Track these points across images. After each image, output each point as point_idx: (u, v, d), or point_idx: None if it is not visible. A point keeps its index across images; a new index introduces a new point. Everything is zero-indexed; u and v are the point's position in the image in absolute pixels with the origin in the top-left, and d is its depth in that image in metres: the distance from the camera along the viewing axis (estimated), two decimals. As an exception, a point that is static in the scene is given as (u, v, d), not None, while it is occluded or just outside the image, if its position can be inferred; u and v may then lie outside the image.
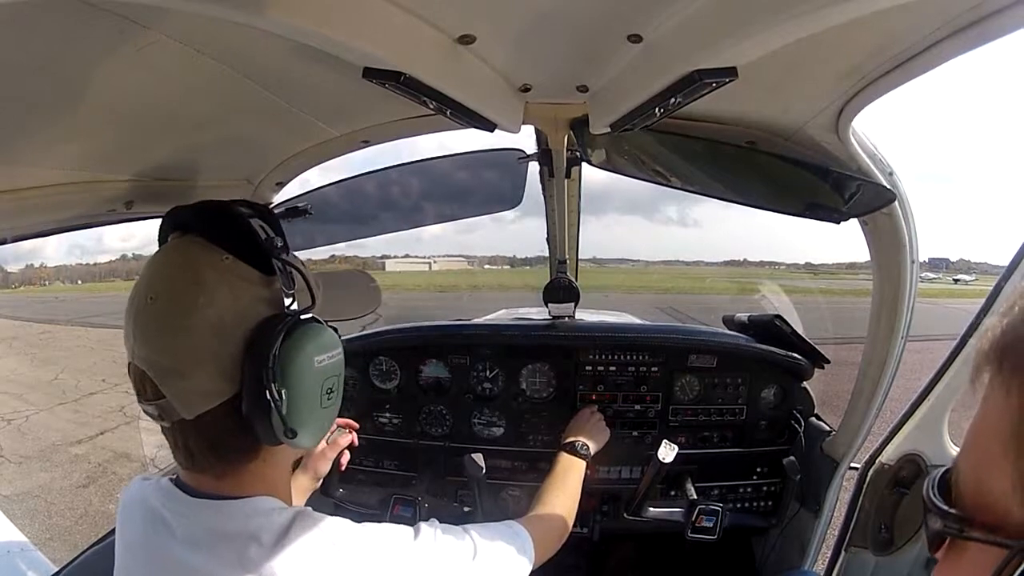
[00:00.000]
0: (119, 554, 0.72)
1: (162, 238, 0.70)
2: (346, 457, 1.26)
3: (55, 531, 4.28)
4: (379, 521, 0.73)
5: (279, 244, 0.68)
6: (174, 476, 0.71)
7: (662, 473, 1.52)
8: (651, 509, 1.62)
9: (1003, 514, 0.33)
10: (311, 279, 0.70)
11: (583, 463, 1.38)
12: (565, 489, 1.24)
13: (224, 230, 0.66)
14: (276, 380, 0.63)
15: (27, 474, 5.46)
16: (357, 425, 1.27)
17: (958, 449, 0.39)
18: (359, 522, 0.71)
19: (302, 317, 0.67)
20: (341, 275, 0.99)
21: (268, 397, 0.62)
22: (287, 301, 0.68)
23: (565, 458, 1.37)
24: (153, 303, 0.62)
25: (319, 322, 0.70)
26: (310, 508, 0.69)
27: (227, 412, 0.64)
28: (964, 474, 0.37)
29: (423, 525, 0.75)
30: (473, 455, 1.51)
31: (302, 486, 1.16)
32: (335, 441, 1.21)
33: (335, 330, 0.72)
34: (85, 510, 4.63)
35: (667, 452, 1.47)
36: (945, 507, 0.37)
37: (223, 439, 0.65)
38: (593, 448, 1.44)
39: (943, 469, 0.39)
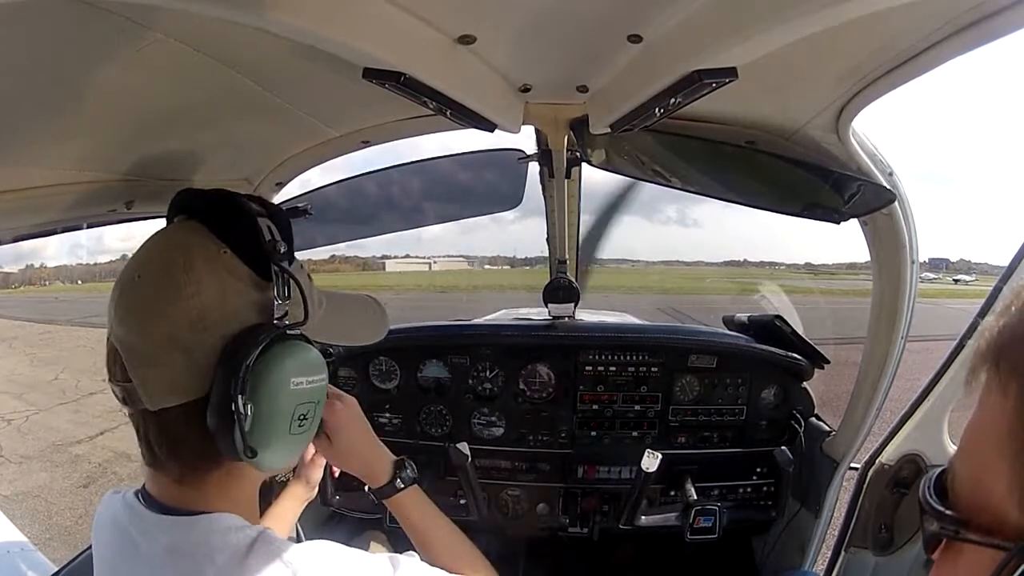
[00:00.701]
0: (96, 571, 0.69)
1: (169, 218, 0.68)
2: None
3: (55, 531, 4.28)
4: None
5: (283, 250, 0.63)
6: (141, 486, 0.68)
7: (648, 482, 1.52)
8: (644, 518, 1.62)
9: (1000, 516, 0.32)
10: (308, 294, 0.66)
11: (416, 490, 0.95)
12: (437, 530, 0.92)
13: (228, 222, 0.63)
14: (244, 393, 0.58)
15: (27, 474, 5.46)
16: None
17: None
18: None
19: (289, 332, 0.63)
20: (350, 298, 0.93)
21: (232, 409, 0.58)
22: (278, 312, 0.63)
23: (397, 505, 0.94)
24: (138, 282, 0.60)
25: (308, 341, 0.66)
26: (274, 532, 0.64)
27: (191, 413, 0.60)
28: (960, 475, 0.37)
29: (401, 558, 0.70)
30: (457, 445, 1.51)
31: (298, 496, 1.15)
32: None
33: (328, 354, 0.67)
34: (85, 510, 4.63)
35: (650, 462, 1.47)
36: (941, 508, 0.37)
37: (184, 440, 0.62)
38: (390, 465, 0.94)
39: (939, 470, 0.39)
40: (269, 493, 1.12)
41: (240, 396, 0.58)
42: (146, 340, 0.59)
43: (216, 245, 0.62)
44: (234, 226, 0.63)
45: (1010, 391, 0.32)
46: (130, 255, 0.65)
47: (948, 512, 0.36)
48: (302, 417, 0.64)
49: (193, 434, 0.61)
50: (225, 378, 0.58)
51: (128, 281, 0.61)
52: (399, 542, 1.75)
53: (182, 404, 0.60)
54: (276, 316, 0.63)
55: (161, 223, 0.70)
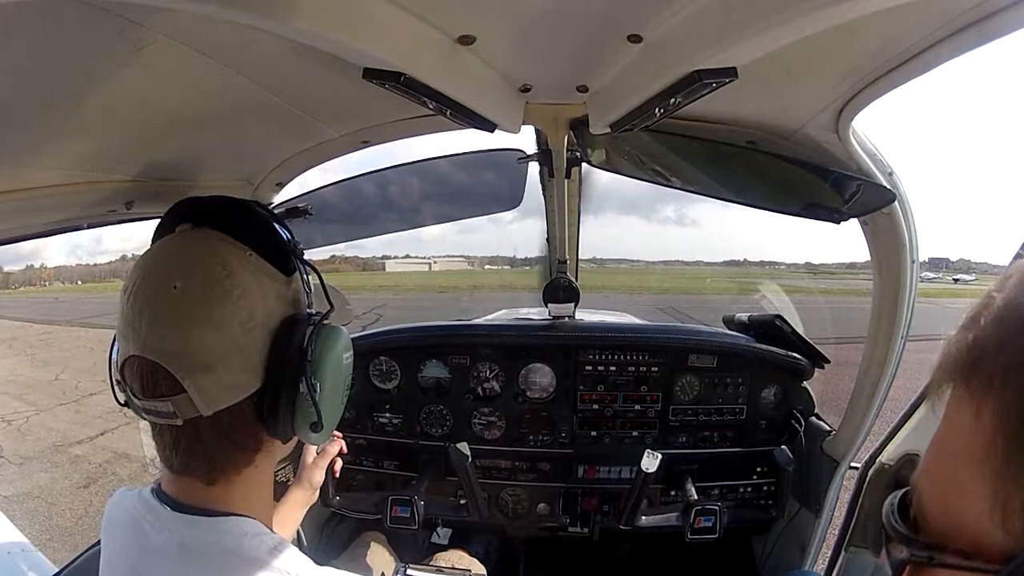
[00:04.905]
0: (102, 568, 0.70)
1: (168, 228, 0.68)
2: (338, 464, 1.27)
3: (55, 532, 4.28)
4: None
5: (299, 246, 0.70)
6: (156, 486, 0.69)
7: (648, 482, 1.52)
8: (644, 518, 1.62)
9: (979, 538, 0.31)
10: (326, 284, 0.72)
11: None
12: None
13: (247, 227, 0.66)
14: (312, 374, 0.65)
15: (27, 475, 5.45)
16: (340, 434, 1.27)
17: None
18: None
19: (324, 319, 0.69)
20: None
21: (303, 390, 0.64)
22: (305, 302, 0.70)
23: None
24: (177, 292, 0.60)
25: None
26: (291, 544, 0.66)
27: (245, 408, 0.63)
28: (929, 497, 0.35)
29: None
30: (457, 445, 1.53)
31: (300, 500, 1.15)
32: (324, 450, 1.21)
33: None
34: (85, 510, 4.63)
35: (650, 462, 1.47)
36: (909, 533, 0.35)
37: (233, 436, 0.64)
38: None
39: (902, 491, 0.38)
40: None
41: (310, 378, 0.64)
42: (201, 348, 0.60)
43: (241, 249, 0.65)
44: (253, 229, 0.67)
45: (984, 409, 0.31)
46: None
47: (918, 537, 0.34)
48: (348, 387, 0.74)
49: (244, 427, 0.65)
50: (287, 366, 0.64)
51: (163, 292, 0.60)
52: (399, 542, 1.75)
53: (237, 402, 0.63)
54: (305, 305, 0.70)
55: None
